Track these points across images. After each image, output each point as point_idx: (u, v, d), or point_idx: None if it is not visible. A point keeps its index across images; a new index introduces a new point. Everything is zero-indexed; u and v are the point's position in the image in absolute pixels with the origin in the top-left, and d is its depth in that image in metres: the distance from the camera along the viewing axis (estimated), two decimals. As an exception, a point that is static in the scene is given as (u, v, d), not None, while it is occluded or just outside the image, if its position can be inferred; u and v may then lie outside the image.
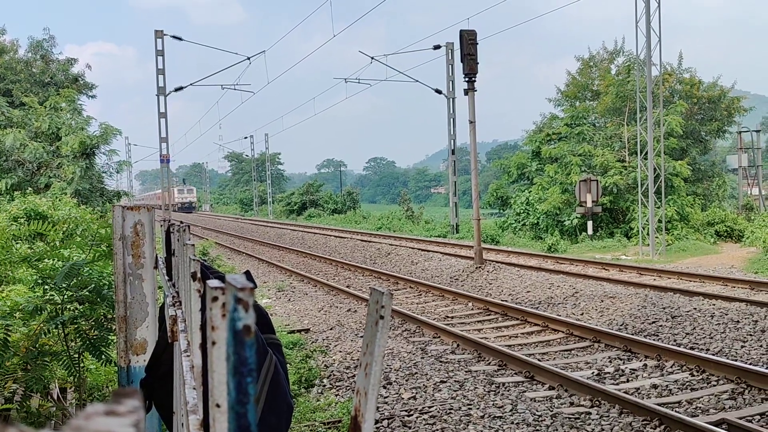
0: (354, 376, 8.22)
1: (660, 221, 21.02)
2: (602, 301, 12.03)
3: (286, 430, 1.95)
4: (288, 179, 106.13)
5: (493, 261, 17.72)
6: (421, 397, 7.27)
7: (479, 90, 16.50)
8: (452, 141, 30.54)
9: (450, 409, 6.81)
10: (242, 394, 0.62)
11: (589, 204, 23.88)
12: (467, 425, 6.40)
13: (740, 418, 6.14)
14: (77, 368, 4.87)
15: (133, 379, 3.75)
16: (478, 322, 11.27)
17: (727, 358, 8.06)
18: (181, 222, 2.77)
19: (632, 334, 9.48)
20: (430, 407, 6.88)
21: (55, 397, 5.38)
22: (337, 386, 7.90)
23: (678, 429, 5.88)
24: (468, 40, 16.13)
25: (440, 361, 8.64)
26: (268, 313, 2.41)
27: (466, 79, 16.40)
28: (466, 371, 8.16)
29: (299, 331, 10.79)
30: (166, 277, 3.07)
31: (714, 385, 7.25)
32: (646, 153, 20.39)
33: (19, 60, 30.34)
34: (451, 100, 30.25)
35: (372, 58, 29.76)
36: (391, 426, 6.48)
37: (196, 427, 1.18)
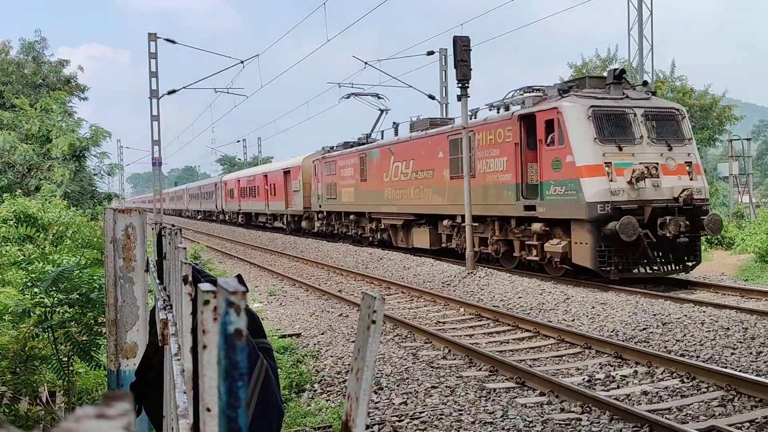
0: (345, 380, 8.20)
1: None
2: (593, 307, 12.04)
3: (277, 434, 1.94)
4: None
5: (485, 267, 17.73)
6: (412, 402, 7.26)
7: (472, 96, 16.56)
8: (445, 146, 30.55)
9: (441, 414, 6.81)
10: (233, 398, 0.62)
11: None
12: (458, 431, 6.39)
13: (730, 425, 6.16)
14: (66, 372, 4.85)
15: (123, 383, 3.73)
16: (470, 327, 11.28)
17: (717, 365, 8.09)
18: (173, 225, 2.77)
19: (623, 341, 9.50)
20: (421, 413, 6.87)
21: (44, 400, 5.35)
22: (328, 391, 7.88)
23: (668, 435, 5.89)
24: (461, 47, 16.17)
25: (431, 367, 8.63)
26: (260, 317, 2.40)
27: (459, 84, 16.42)
28: (457, 377, 8.16)
29: (290, 335, 10.76)
30: (157, 281, 3.06)
31: (704, 392, 7.27)
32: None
33: (11, 61, 30.14)
34: (444, 105, 30.28)
35: (366, 63, 29.80)
36: (381, 431, 6.47)
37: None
